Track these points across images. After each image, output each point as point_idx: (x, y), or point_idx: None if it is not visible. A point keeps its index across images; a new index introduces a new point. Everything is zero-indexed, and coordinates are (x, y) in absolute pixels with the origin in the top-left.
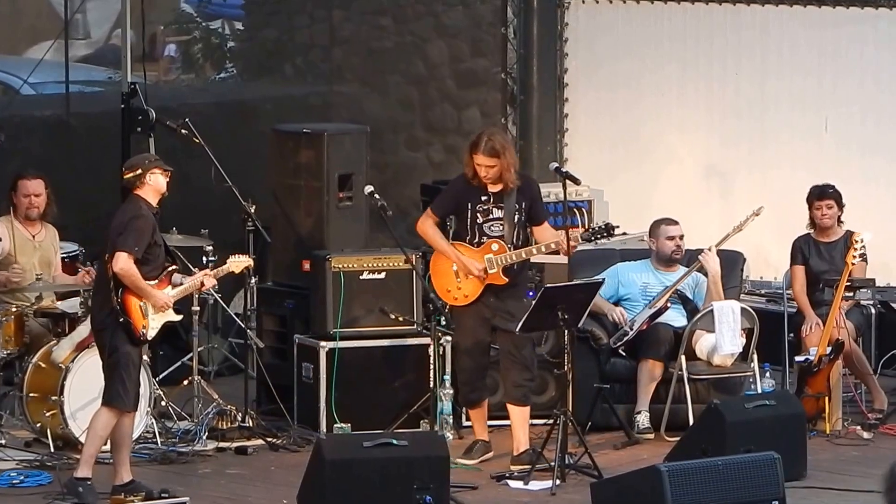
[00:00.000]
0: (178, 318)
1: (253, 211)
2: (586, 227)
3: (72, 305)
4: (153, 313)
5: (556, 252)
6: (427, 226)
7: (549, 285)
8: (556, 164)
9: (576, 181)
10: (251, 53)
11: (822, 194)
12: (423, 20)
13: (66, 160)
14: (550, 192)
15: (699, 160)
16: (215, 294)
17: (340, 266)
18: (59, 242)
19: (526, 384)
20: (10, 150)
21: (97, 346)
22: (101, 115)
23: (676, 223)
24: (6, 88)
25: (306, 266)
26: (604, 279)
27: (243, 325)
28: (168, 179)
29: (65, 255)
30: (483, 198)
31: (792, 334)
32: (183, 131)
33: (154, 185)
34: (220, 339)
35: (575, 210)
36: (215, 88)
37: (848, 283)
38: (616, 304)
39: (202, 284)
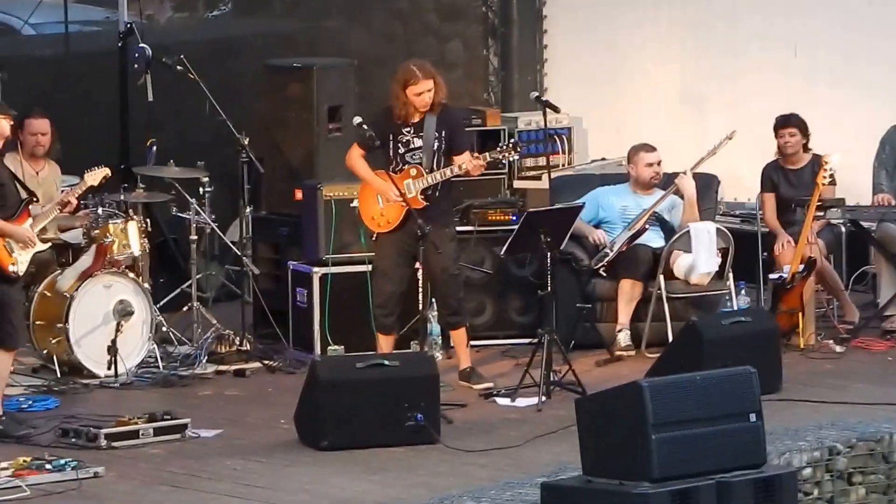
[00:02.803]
0: (45, 246)
1: (246, 143)
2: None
3: (75, 236)
4: (19, 249)
5: (467, 174)
6: (353, 158)
7: (531, 209)
8: (536, 93)
9: (555, 109)
10: None
11: (785, 122)
12: None
13: (67, 98)
14: (532, 120)
15: (675, 87)
16: (212, 223)
17: (331, 194)
18: (61, 177)
19: (457, 310)
20: (13, 88)
21: None
22: (99, 53)
23: (654, 149)
24: (7, 29)
25: (298, 195)
26: (584, 203)
27: (239, 253)
28: (11, 123)
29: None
30: (405, 129)
31: (766, 253)
32: (178, 68)
33: None
34: (218, 266)
35: (555, 137)
36: (208, 26)
37: (818, 204)
38: (596, 226)
39: (66, 205)
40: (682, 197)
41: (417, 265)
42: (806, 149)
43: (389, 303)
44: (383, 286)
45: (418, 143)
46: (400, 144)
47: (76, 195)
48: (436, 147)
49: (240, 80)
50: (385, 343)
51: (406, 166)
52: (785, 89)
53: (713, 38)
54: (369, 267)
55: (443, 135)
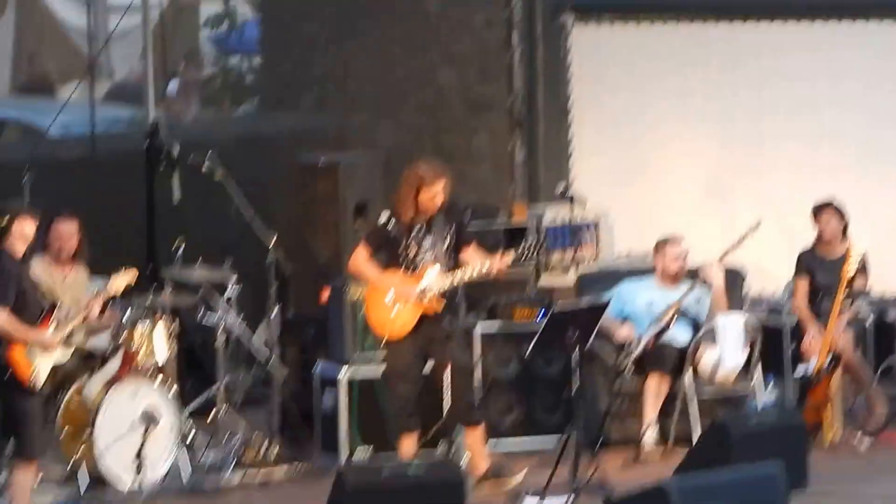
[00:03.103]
0: (68, 356)
1: (273, 242)
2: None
3: (102, 341)
4: (41, 356)
5: (489, 274)
6: (360, 260)
7: (557, 308)
8: (562, 187)
9: (581, 203)
10: (269, 87)
11: (823, 208)
12: (432, 49)
13: (93, 199)
14: (558, 214)
15: (700, 180)
16: (239, 324)
17: (358, 294)
18: (87, 281)
19: (470, 412)
20: (39, 190)
21: None
22: (126, 153)
23: (680, 242)
24: (33, 130)
25: (325, 295)
26: (610, 300)
27: (266, 356)
28: (36, 226)
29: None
30: (415, 231)
31: (794, 344)
32: (205, 166)
33: (20, 234)
34: (246, 369)
35: (582, 231)
36: (236, 122)
37: (845, 296)
38: (623, 321)
39: (87, 317)
40: (709, 288)
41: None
42: (844, 236)
43: (409, 404)
44: (402, 389)
45: (429, 243)
46: (413, 246)
47: (99, 304)
48: (447, 244)
49: (267, 177)
50: (410, 442)
51: (420, 267)
52: (811, 181)
53: (738, 132)
54: None
55: (451, 230)
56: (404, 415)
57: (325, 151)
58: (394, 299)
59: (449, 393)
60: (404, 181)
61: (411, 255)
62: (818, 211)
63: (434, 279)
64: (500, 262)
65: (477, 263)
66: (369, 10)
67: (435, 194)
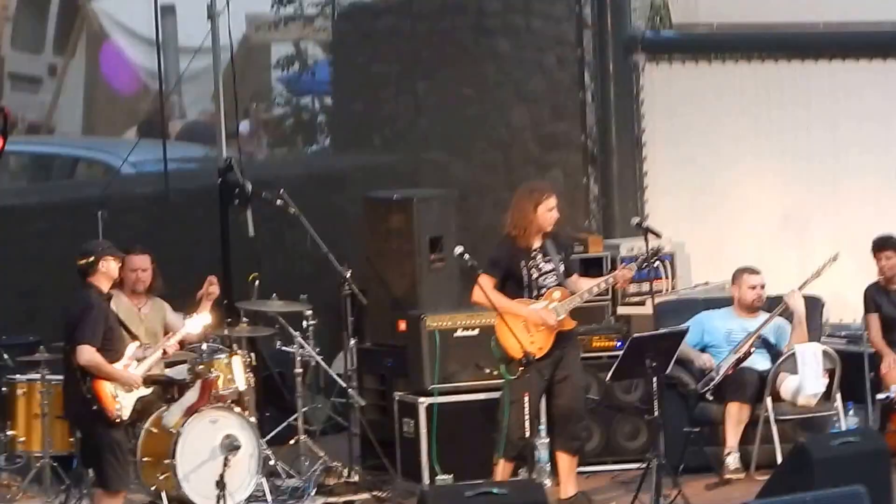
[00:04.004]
0: (149, 391)
1: (349, 275)
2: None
3: (179, 372)
4: (124, 393)
5: (612, 287)
6: (488, 289)
7: (636, 335)
8: (637, 219)
9: (657, 235)
10: (340, 126)
11: (883, 245)
12: (504, 88)
13: (168, 235)
14: (634, 246)
15: (776, 213)
16: (316, 356)
17: (435, 324)
18: (166, 313)
19: (582, 437)
20: (114, 228)
21: (80, 433)
22: (198, 190)
23: (758, 272)
24: (107, 168)
25: (402, 326)
26: (688, 327)
27: (344, 385)
28: (120, 265)
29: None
30: (533, 254)
31: (873, 373)
32: (279, 202)
33: (106, 272)
34: (324, 398)
35: (659, 263)
36: (307, 160)
37: None
38: (702, 350)
39: (164, 353)
40: (788, 319)
41: None
42: None
43: (523, 432)
44: (522, 416)
45: (549, 266)
46: (534, 270)
47: (175, 346)
48: (561, 269)
49: (341, 213)
50: (509, 469)
51: (545, 290)
52: (886, 213)
53: (813, 167)
54: (475, 395)
55: (562, 257)
56: (517, 438)
57: (397, 188)
58: (529, 324)
59: (559, 414)
60: (518, 200)
61: (534, 278)
62: (877, 248)
63: (561, 301)
64: (622, 274)
65: (601, 279)
66: (440, 50)
67: (552, 207)
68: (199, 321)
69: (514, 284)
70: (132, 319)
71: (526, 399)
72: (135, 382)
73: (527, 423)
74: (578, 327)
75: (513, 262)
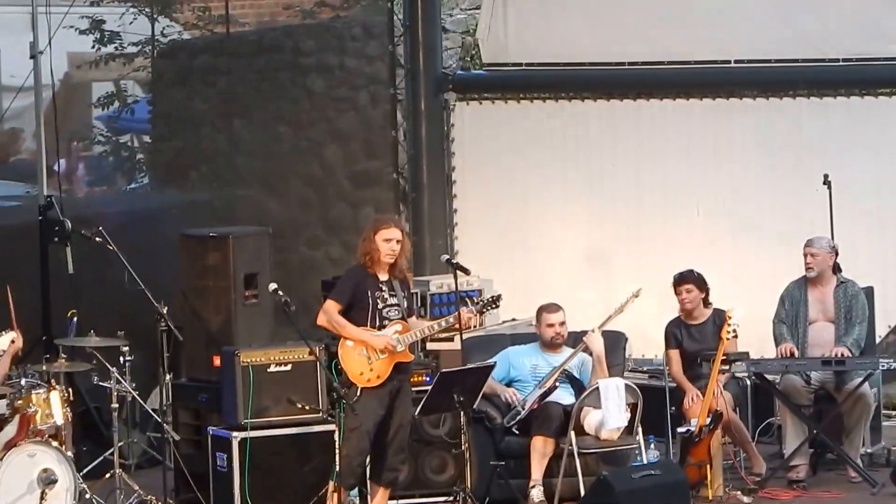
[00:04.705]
0: None
1: (165, 311)
2: (475, 301)
3: None
4: None
5: (452, 328)
6: (332, 314)
7: (444, 370)
8: (447, 256)
9: (466, 272)
10: (158, 164)
11: (682, 280)
12: (318, 125)
13: None
14: (443, 283)
15: (581, 248)
16: (132, 391)
17: (249, 360)
18: None
19: (400, 470)
20: None
21: None
22: (20, 227)
23: (558, 309)
24: None
25: (217, 361)
26: (495, 362)
27: (160, 420)
28: None
29: None
30: (380, 285)
31: (674, 407)
32: (97, 239)
33: None
34: (139, 433)
35: (466, 300)
36: (127, 197)
37: (724, 357)
38: (508, 385)
39: None
40: (590, 354)
41: None
42: (706, 303)
43: (363, 461)
44: (364, 444)
45: (393, 300)
46: (379, 300)
47: None
48: (405, 306)
49: (159, 250)
50: (343, 498)
51: (388, 322)
52: (688, 247)
53: (617, 199)
54: (287, 430)
55: (405, 296)
56: (356, 465)
57: (214, 224)
58: (370, 351)
59: (385, 445)
60: (366, 229)
61: (379, 308)
62: (677, 283)
63: (402, 334)
64: (467, 314)
65: (441, 320)
66: (256, 88)
67: (390, 239)
68: (6, 339)
69: (359, 312)
70: None
71: (365, 427)
72: None
73: (366, 450)
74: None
75: (359, 290)
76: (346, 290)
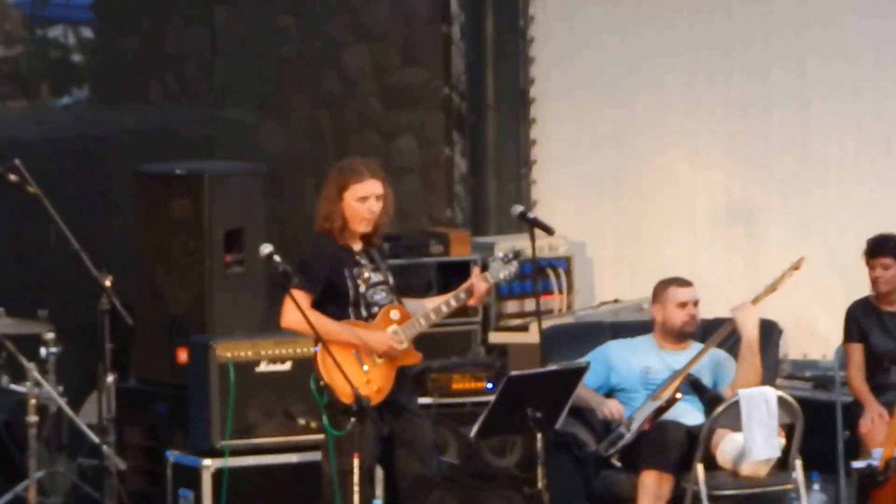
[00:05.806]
0: None
1: (109, 284)
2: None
3: None
4: None
5: (465, 304)
6: (305, 309)
7: (513, 373)
8: (520, 208)
9: (548, 230)
10: (105, 70)
11: (877, 248)
12: (336, 18)
13: None
14: (515, 246)
15: (717, 199)
16: (59, 398)
17: (229, 355)
18: None
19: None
20: None
21: None
22: None
23: (690, 284)
24: None
25: (183, 356)
26: (589, 363)
27: (98, 441)
28: None
29: None
30: (357, 258)
31: (848, 431)
32: (12, 177)
33: None
34: (68, 459)
35: (549, 270)
36: (56, 117)
37: None
38: (608, 395)
39: None
40: (732, 353)
41: None
42: None
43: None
44: (369, 490)
45: (377, 276)
46: (360, 281)
47: None
48: (391, 282)
49: (103, 194)
50: None
51: (378, 309)
52: (876, 198)
53: (772, 127)
54: (283, 457)
55: (388, 268)
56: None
57: (183, 159)
58: (363, 356)
59: (402, 483)
60: (327, 181)
61: (362, 291)
62: (872, 252)
63: (401, 323)
64: (478, 286)
65: (450, 295)
66: None
67: (367, 197)
68: None
69: (337, 301)
70: None
71: (356, 464)
72: None
73: (356, 499)
74: (420, 363)
75: (333, 269)
76: (317, 272)
